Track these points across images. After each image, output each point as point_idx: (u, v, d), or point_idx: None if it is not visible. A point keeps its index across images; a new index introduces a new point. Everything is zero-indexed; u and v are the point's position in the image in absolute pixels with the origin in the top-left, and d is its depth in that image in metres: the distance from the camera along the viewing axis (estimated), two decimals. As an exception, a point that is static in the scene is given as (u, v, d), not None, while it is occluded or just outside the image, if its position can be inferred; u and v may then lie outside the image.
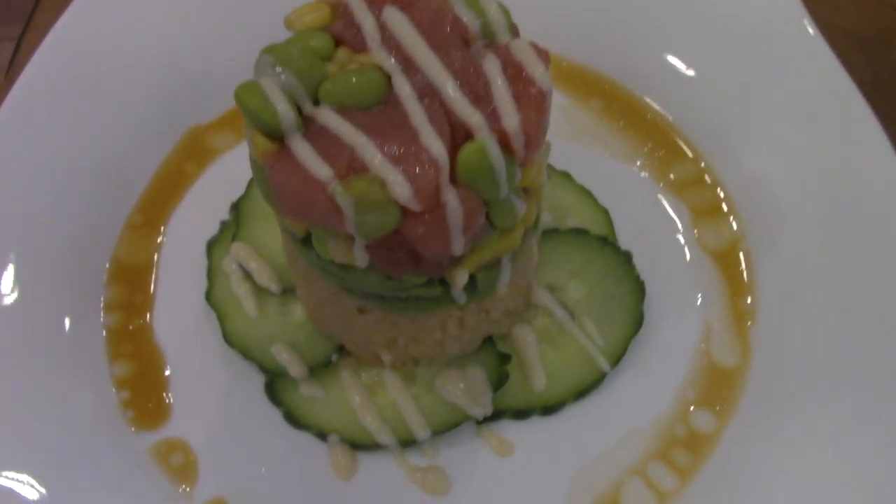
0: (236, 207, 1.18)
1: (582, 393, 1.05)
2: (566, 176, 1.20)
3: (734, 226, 1.19)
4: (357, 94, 0.79)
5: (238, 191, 1.19)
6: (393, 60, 0.80)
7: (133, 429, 1.04)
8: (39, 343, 1.05)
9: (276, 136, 0.78)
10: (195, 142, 1.26)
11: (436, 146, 0.76)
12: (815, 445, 0.98)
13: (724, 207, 1.21)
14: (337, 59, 0.82)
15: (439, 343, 1.02)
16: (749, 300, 1.13)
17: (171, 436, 1.04)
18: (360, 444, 1.02)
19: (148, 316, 1.13)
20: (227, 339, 1.07)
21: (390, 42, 0.81)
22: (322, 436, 1.03)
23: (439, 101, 0.78)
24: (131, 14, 1.27)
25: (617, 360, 1.07)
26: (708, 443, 1.03)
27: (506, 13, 0.84)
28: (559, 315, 1.09)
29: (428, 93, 0.79)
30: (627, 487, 1.00)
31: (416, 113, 0.78)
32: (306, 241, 0.88)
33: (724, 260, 1.17)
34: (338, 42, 0.83)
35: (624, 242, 1.16)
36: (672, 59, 1.30)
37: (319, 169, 0.76)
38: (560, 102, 1.29)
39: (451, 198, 0.77)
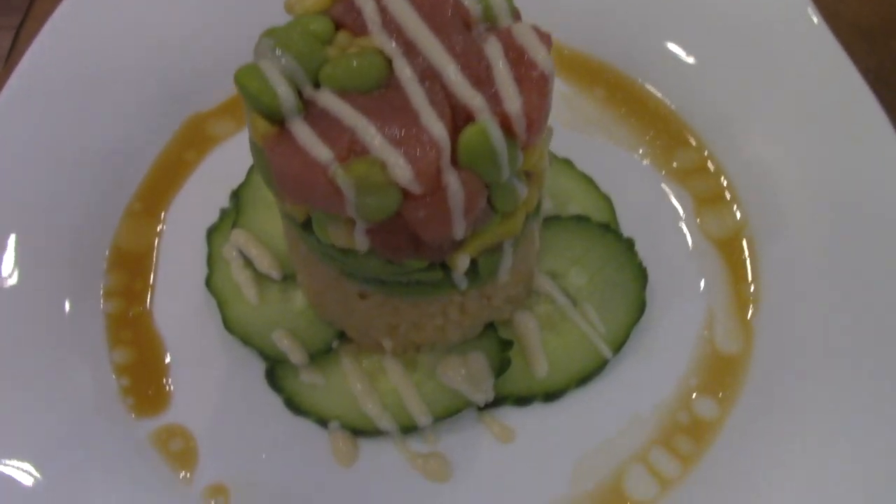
0: (236, 195, 1.17)
1: (584, 380, 1.05)
2: (568, 163, 1.20)
3: (737, 214, 1.18)
4: (358, 78, 0.78)
5: (238, 178, 1.18)
6: (394, 44, 0.80)
7: (133, 415, 1.03)
8: (39, 331, 1.05)
9: (277, 119, 0.78)
10: (195, 129, 1.26)
11: (437, 128, 0.75)
12: (817, 432, 0.97)
13: (727, 195, 1.20)
14: (337, 42, 0.82)
15: (440, 329, 1.01)
16: (752, 288, 1.12)
17: (171, 422, 1.03)
18: (361, 431, 1.02)
19: (148, 303, 1.12)
20: (228, 325, 1.07)
21: (391, 26, 0.81)
22: (323, 422, 1.02)
23: (440, 84, 0.78)
24: (131, 2, 1.26)
25: (619, 347, 1.06)
26: (710, 430, 1.02)
27: (507, -4, 0.83)
28: (561, 302, 1.08)
29: (429, 76, 0.79)
30: (629, 474, 1.00)
31: (417, 95, 0.77)
32: (307, 225, 0.88)
33: (727, 248, 1.16)
34: (338, 26, 0.83)
35: (626, 230, 1.15)
36: (675, 48, 1.30)
37: (320, 151, 0.75)
38: (563, 91, 1.29)
39: (452, 180, 0.76)
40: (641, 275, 1.10)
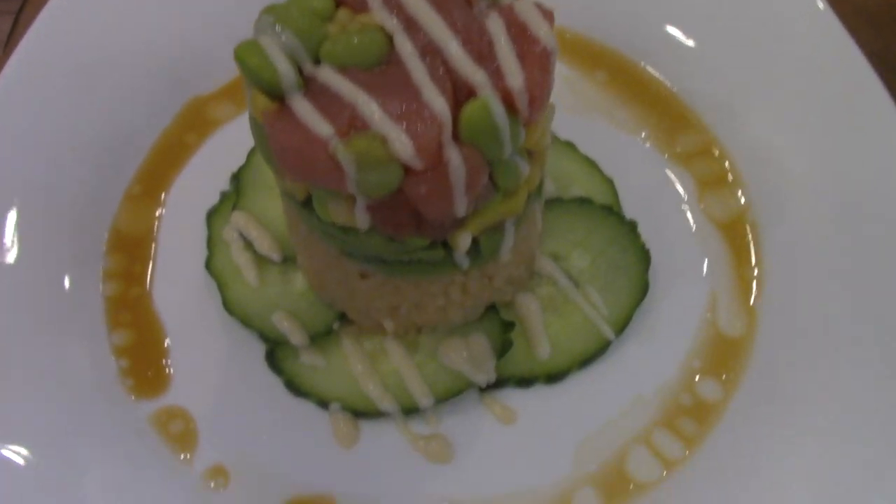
0: (237, 177, 1.17)
1: (586, 361, 1.04)
2: (570, 146, 1.19)
3: (740, 197, 1.18)
4: (358, 54, 0.78)
5: (238, 162, 1.18)
6: (394, 20, 0.79)
7: (133, 397, 1.03)
8: (39, 313, 1.05)
9: (277, 95, 0.77)
10: (196, 112, 1.26)
11: (438, 103, 0.75)
12: (821, 414, 0.97)
13: (730, 178, 1.19)
14: (338, 19, 0.81)
15: (442, 310, 1.01)
16: (755, 271, 1.12)
17: (171, 404, 1.03)
18: (362, 412, 1.01)
19: (147, 285, 1.12)
20: (228, 307, 1.06)
21: (391, 2, 0.80)
22: (323, 404, 1.02)
23: (441, 60, 0.78)
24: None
25: (621, 328, 1.06)
26: (713, 412, 1.02)
27: (509, -27, 0.83)
28: (563, 284, 1.07)
29: (430, 52, 0.78)
30: (632, 455, 0.99)
31: (418, 71, 0.77)
32: (307, 203, 0.87)
33: (730, 231, 1.16)
34: (338, 2, 0.82)
35: (629, 213, 1.15)
36: (678, 31, 1.29)
37: (320, 126, 0.75)
38: (565, 74, 1.28)
39: (453, 155, 0.76)
40: (644, 257, 1.10)
